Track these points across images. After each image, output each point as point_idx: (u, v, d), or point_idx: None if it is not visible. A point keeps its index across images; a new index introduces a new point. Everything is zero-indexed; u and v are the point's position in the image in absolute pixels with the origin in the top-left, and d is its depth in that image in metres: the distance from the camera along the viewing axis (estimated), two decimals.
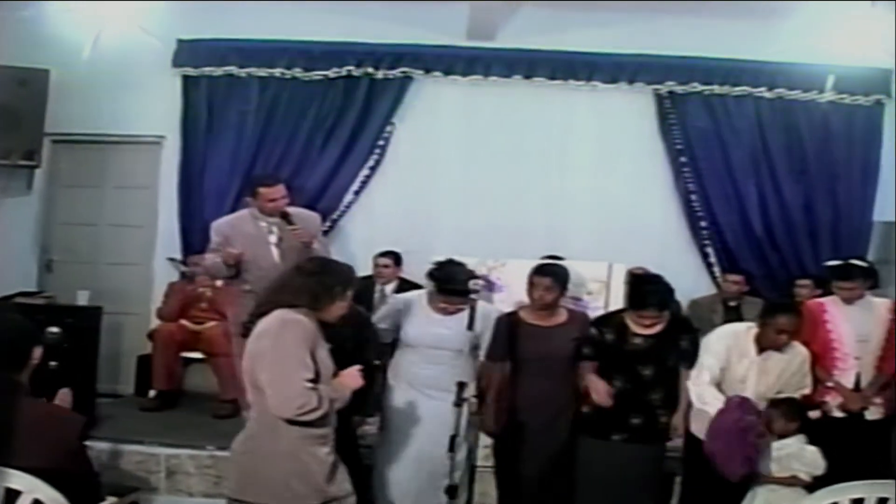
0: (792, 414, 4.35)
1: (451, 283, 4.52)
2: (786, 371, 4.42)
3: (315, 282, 3.40)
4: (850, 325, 4.80)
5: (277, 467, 3.26)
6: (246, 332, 3.42)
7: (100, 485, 3.57)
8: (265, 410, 3.24)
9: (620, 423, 4.48)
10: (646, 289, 4.55)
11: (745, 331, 4.51)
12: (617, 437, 4.48)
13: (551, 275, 4.65)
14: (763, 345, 4.39)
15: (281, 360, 3.19)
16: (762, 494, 4.29)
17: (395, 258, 6.73)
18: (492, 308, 4.84)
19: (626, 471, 4.43)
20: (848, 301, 4.84)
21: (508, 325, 4.66)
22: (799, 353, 4.47)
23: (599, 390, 4.45)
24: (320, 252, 5.16)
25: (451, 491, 4.12)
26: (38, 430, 2.95)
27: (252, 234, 5.36)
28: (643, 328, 4.50)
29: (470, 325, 4.38)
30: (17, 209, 7.42)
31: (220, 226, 5.51)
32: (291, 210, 5.40)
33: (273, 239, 5.40)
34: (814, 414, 4.61)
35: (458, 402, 4.11)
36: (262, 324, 3.32)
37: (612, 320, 4.66)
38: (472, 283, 4.49)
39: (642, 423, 4.47)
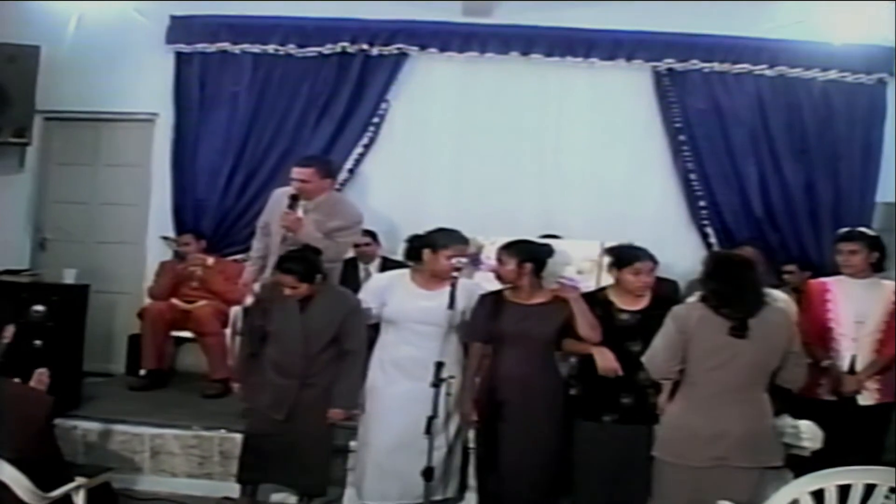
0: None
1: (451, 232, 4.65)
2: None
3: None
4: (850, 305, 4.73)
5: None
6: None
7: (66, 466, 3.54)
8: None
9: (611, 403, 4.41)
10: (630, 247, 4.57)
11: None
12: (608, 418, 4.41)
13: (520, 254, 4.54)
14: None
15: None
16: None
17: (373, 236, 6.64)
18: (475, 285, 4.78)
19: (618, 452, 4.34)
20: (851, 273, 4.76)
21: (491, 303, 4.58)
22: None
23: (607, 357, 4.38)
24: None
25: (428, 473, 4.01)
26: (4, 411, 2.90)
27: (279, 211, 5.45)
28: (630, 303, 4.47)
29: (451, 304, 4.29)
30: (10, 187, 7.38)
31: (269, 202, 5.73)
32: (334, 196, 5.72)
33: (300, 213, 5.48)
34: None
35: (436, 383, 4.03)
36: None
37: (597, 297, 4.59)
38: (454, 261, 4.48)
39: (633, 403, 4.39)
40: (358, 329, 4.73)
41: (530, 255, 4.54)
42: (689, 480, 3.79)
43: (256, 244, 5.71)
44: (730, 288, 3.80)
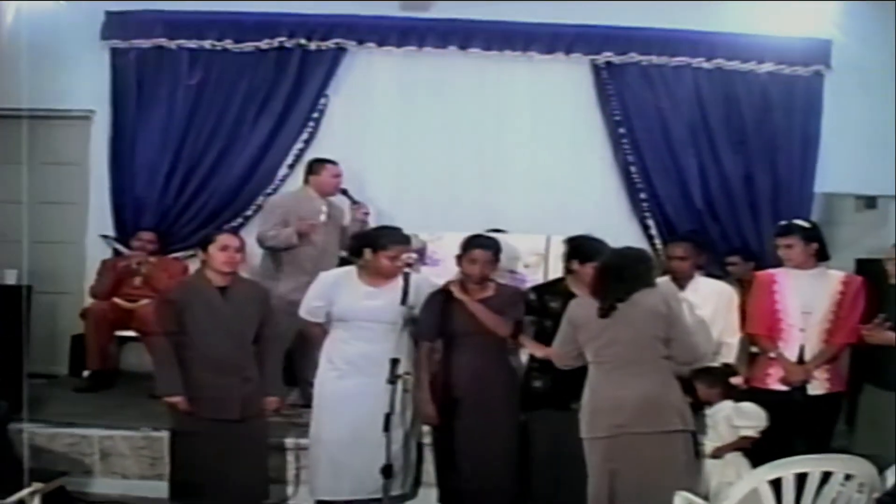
0: (711, 380, 4.54)
1: (392, 231, 4.71)
2: None
3: None
4: (797, 295, 4.75)
5: None
6: None
7: (21, 471, 3.48)
8: None
9: (577, 390, 4.43)
10: (592, 240, 4.66)
11: None
12: (575, 406, 4.41)
13: (492, 248, 4.65)
14: None
15: None
16: (713, 466, 4.41)
17: None
18: (422, 279, 4.78)
19: None
20: (792, 266, 4.80)
21: (441, 300, 4.61)
22: None
23: (543, 348, 4.53)
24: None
25: (387, 470, 4.04)
26: None
27: (307, 212, 5.94)
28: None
29: (403, 300, 4.29)
30: None
31: (278, 201, 6.34)
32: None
33: (323, 218, 5.99)
34: (736, 380, 4.63)
35: (392, 380, 4.03)
36: None
37: (556, 287, 4.68)
38: (405, 257, 4.47)
39: None
40: (274, 315, 4.83)
41: (500, 251, 4.66)
42: (601, 451, 4.10)
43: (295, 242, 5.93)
44: (600, 278, 4.25)
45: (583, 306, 4.25)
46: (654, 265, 4.51)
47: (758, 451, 4.31)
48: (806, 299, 4.74)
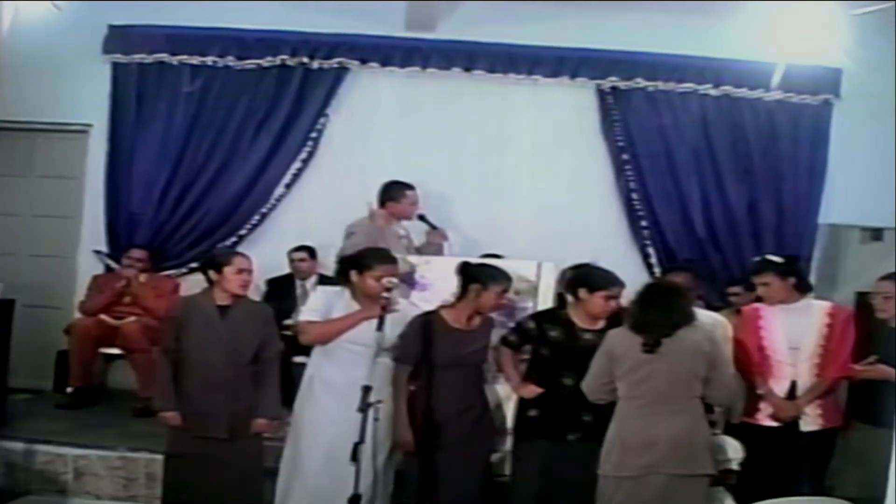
0: None
1: (377, 252, 4.57)
2: None
3: None
4: (783, 331, 4.63)
5: None
6: None
7: None
8: None
9: (574, 421, 4.37)
10: (600, 269, 4.56)
11: None
12: (572, 437, 4.37)
13: (511, 279, 4.58)
14: None
15: None
16: None
17: (311, 252, 6.57)
18: (409, 306, 4.66)
19: (582, 471, 4.22)
20: (772, 303, 4.68)
21: (424, 325, 4.47)
22: None
23: (526, 387, 4.46)
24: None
25: (355, 500, 3.87)
26: None
27: (386, 236, 5.63)
28: (589, 323, 4.44)
29: (380, 326, 4.14)
30: None
31: (357, 225, 5.75)
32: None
33: (405, 243, 5.81)
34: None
35: (363, 408, 3.87)
36: None
37: (555, 316, 4.55)
38: (385, 281, 4.32)
39: (593, 421, 4.31)
40: (275, 337, 4.72)
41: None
42: (625, 491, 3.93)
43: None
44: (643, 311, 4.05)
45: (622, 339, 4.08)
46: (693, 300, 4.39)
47: (747, 487, 4.17)
48: (792, 335, 4.62)
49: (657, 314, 4.00)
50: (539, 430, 4.48)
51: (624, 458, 3.95)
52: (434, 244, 6.01)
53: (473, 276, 4.51)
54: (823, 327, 4.60)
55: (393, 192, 5.93)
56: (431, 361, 4.46)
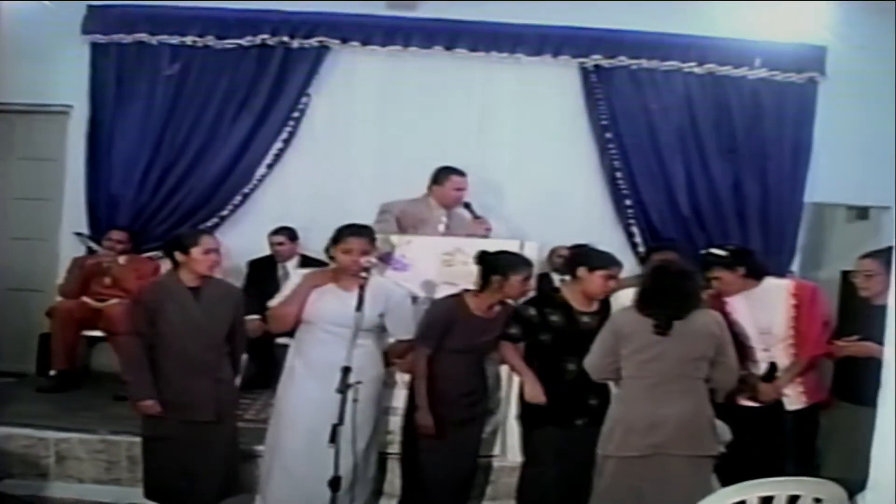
0: None
1: (348, 225, 4.46)
2: None
3: None
4: (751, 317, 4.61)
5: None
6: None
7: None
8: None
9: (581, 406, 4.39)
10: (598, 250, 4.59)
11: None
12: (580, 422, 4.39)
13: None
14: None
15: None
16: None
17: (290, 234, 6.52)
18: (392, 286, 4.63)
19: (593, 455, 4.21)
20: (727, 294, 4.65)
21: (449, 309, 4.50)
22: None
23: (537, 389, 4.44)
24: None
25: (335, 483, 3.86)
26: None
27: (425, 219, 5.66)
28: (585, 305, 4.48)
29: (359, 306, 4.13)
30: None
31: (393, 205, 5.70)
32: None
33: (441, 228, 5.72)
34: None
35: (342, 389, 3.86)
36: None
37: (554, 300, 4.54)
38: (363, 260, 4.29)
39: (599, 405, 4.33)
40: (243, 318, 4.74)
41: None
42: (628, 471, 3.93)
43: None
44: (654, 293, 4.03)
45: (630, 319, 4.07)
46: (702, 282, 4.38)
47: (731, 467, 4.11)
48: (760, 319, 4.60)
49: (670, 297, 3.99)
50: (547, 418, 4.47)
51: (628, 437, 3.94)
52: (475, 235, 5.68)
53: (493, 267, 4.46)
54: (790, 308, 4.58)
55: (438, 176, 5.84)
56: (445, 346, 4.48)
